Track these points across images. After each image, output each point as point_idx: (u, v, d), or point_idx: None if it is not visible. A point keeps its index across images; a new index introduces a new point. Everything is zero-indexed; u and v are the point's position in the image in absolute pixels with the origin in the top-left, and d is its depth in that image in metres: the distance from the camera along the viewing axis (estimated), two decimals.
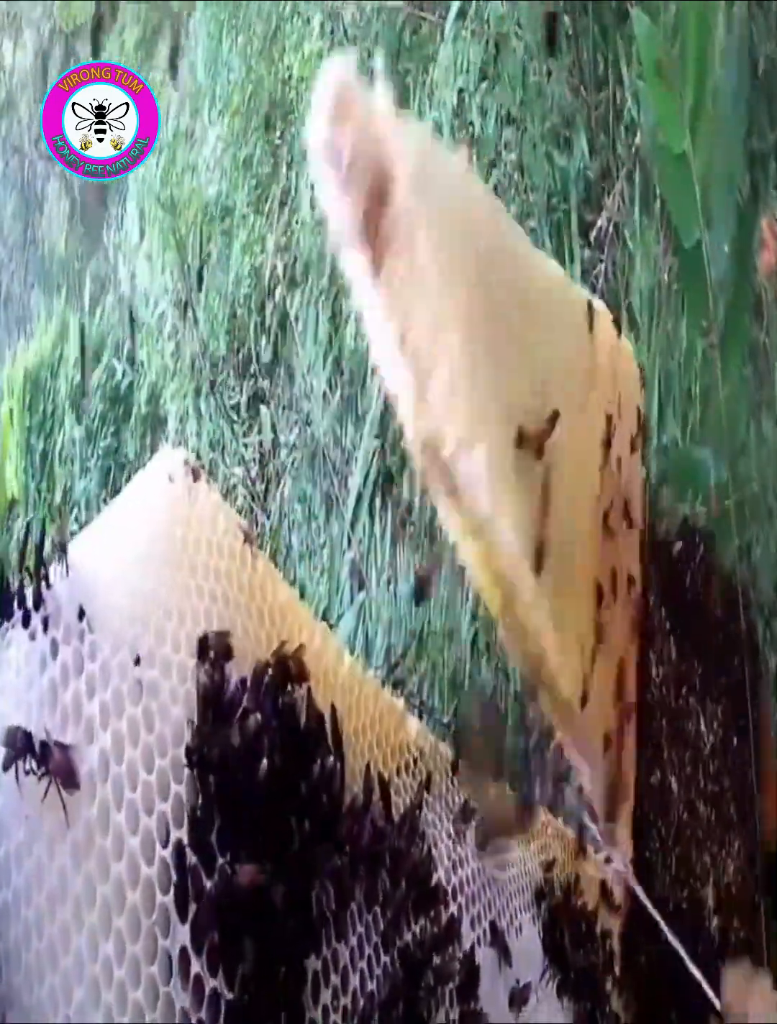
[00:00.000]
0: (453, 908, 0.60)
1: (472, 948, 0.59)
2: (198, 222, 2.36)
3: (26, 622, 0.49)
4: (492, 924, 0.62)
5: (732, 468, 1.12)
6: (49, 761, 0.47)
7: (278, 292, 2.11)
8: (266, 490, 2.12)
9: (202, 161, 2.53)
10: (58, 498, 2.26)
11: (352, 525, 1.82)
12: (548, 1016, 0.62)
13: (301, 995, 0.48)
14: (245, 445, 2.21)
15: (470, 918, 0.61)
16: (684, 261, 1.15)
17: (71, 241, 2.95)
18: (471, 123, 2.41)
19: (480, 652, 1.35)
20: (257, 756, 0.51)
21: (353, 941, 0.52)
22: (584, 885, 0.73)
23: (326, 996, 0.50)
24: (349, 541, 1.83)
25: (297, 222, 2.10)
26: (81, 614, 0.50)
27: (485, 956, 0.60)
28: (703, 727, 0.98)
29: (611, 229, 2.14)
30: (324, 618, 1.30)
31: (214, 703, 0.50)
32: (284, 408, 2.18)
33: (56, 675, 0.48)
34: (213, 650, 0.52)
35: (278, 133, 2.57)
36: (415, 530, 1.60)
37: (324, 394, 1.94)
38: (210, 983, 0.46)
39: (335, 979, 0.50)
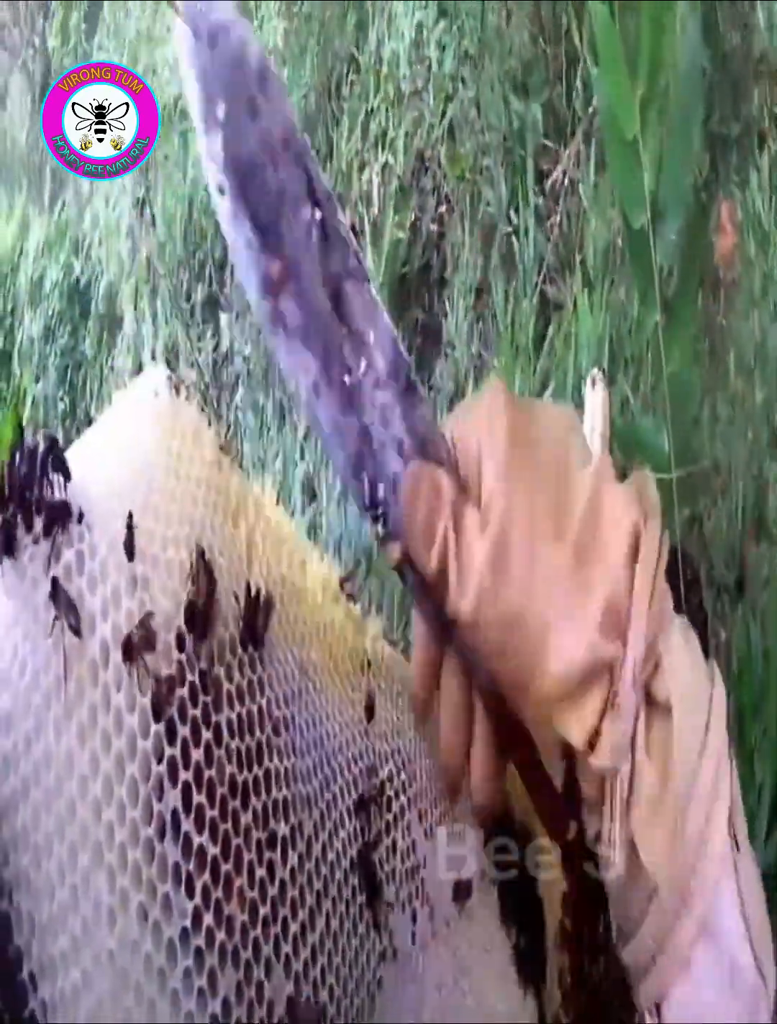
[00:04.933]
0: (402, 800, 0.65)
1: (414, 842, 0.64)
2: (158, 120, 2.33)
3: (28, 526, 0.53)
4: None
5: (681, 442, 1.15)
6: (59, 603, 0.50)
7: None
8: (219, 397, 2.13)
9: (162, 60, 2.51)
10: (17, 397, 2.25)
11: (305, 437, 1.85)
12: (486, 919, 0.67)
13: (273, 854, 0.53)
14: (199, 349, 2.21)
15: (416, 812, 0.66)
16: (632, 241, 1.14)
17: (32, 135, 2.91)
18: (428, 57, 2.40)
19: None
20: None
21: (316, 815, 0.57)
22: None
23: (293, 858, 0.54)
24: (301, 452, 1.85)
25: None
26: (80, 517, 0.54)
27: (429, 849, 0.65)
28: None
29: (567, 183, 2.14)
30: None
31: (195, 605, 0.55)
32: (239, 315, 2.19)
33: (60, 574, 0.52)
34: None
35: None
36: None
37: None
38: (197, 839, 0.51)
39: (301, 846, 0.55)
